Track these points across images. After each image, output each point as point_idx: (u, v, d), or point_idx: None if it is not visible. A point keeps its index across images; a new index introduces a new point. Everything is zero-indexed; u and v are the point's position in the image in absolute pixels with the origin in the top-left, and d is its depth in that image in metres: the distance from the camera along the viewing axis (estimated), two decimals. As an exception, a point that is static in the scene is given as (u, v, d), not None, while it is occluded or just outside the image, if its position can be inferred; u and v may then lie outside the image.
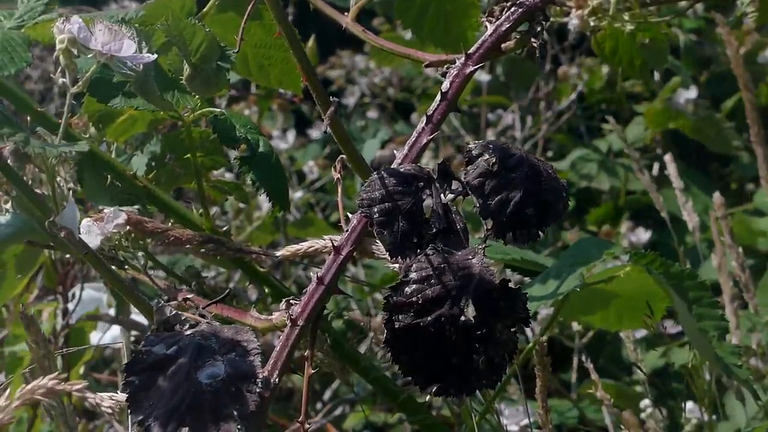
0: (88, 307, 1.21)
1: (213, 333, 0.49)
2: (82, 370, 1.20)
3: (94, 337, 1.23)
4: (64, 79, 0.53)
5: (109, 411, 0.56)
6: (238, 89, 1.56)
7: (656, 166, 2.02)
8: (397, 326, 0.49)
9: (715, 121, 1.85)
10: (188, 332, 0.49)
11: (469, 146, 0.52)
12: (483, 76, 2.01)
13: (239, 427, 0.45)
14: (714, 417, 1.23)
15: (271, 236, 1.63)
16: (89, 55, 0.53)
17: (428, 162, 1.67)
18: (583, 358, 1.39)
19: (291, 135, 1.77)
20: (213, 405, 0.46)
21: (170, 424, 0.45)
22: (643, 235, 1.75)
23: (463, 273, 0.49)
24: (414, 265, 0.49)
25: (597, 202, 1.96)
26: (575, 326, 1.54)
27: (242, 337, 0.49)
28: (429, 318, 0.49)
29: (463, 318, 0.49)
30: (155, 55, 0.57)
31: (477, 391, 0.50)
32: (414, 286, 0.49)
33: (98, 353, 1.27)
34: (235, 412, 0.46)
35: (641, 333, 1.55)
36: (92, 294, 1.22)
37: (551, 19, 0.90)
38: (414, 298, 0.49)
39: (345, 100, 2.12)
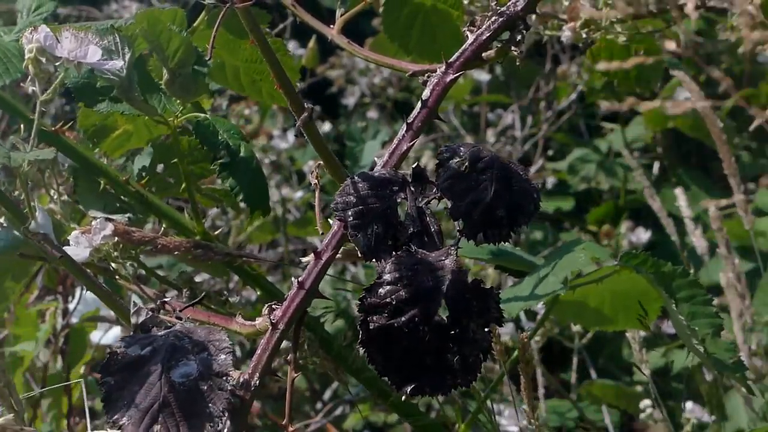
0: (90, 307, 1.22)
1: (186, 333, 0.50)
2: (82, 370, 1.22)
3: (95, 337, 1.25)
4: (34, 88, 0.54)
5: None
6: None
7: (656, 166, 2.03)
8: (371, 327, 0.50)
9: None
10: (162, 333, 0.50)
11: (440, 149, 0.53)
12: (483, 76, 2.02)
13: (211, 424, 0.47)
14: (714, 417, 1.23)
15: (270, 235, 1.64)
16: (57, 63, 0.54)
17: (428, 162, 1.67)
18: (586, 353, 1.39)
19: (291, 135, 1.78)
20: (186, 403, 0.47)
21: (144, 422, 0.47)
22: (643, 234, 1.76)
23: (436, 274, 0.50)
24: (388, 267, 0.50)
25: (597, 202, 1.96)
26: (575, 326, 1.55)
27: (215, 336, 0.50)
28: (403, 318, 0.50)
29: (436, 318, 0.50)
30: (124, 60, 0.58)
31: (452, 390, 0.51)
32: (388, 287, 0.50)
33: (99, 353, 1.29)
34: (207, 410, 0.47)
35: (641, 333, 1.55)
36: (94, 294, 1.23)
37: (546, 31, 0.91)
38: (388, 299, 0.50)
39: (345, 100, 2.13)
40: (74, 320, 1.19)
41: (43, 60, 0.53)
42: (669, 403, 1.55)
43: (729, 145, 1.86)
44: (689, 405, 1.34)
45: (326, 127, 1.93)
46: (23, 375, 1.16)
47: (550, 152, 2.09)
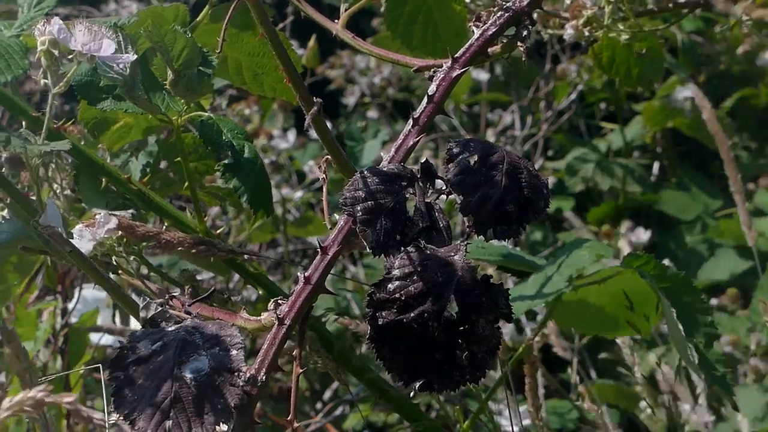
0: (90, 307, 1.22)
1: (197, 329, 0.50)
2: (82, 371, 1.21)
3: (95, 337, 1.24)
4: (46, 80, 0.53)
5: (101, 423, 0.57)
6: (238, 89, 1.57)
7: (656, 166, 2.03)
8: (380, 322, 0.50)
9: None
10: (172, 328, 0.50)
11: (450, 144, 0.53)
12: (482, 75, 2.02)
13: (222, 420, 0.46)
14: (713, 418, 1.23)
15: (270, 235, 1.63)
16: (70, 56, 0.54)
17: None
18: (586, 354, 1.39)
19: (291, 135, 1.77)
20: (197, 399, 0.47)
21: (155, 417, 0.46)
22: (643, 235, 1.76)
23: (445, 269, 0.50)
24: (397, 262, 0.50)
25: (597, 202, 1.96)
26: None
27: (226, 332, 0.49)
28: (412, 314, 0.49)
29: (445, 314, 0.49)
30: (135, 55, 0.57)
31: (460, 386, 0.51)
32: (397, 283, 0.50)
33: (99, 353, 1.28)
34: (219, 406, 0.47)
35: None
36: (94, 294, 1.23)
37: (549, 30, 0.91)
38: (397, 295, 0.50)
39: (345, 100, 2.13)
40: (74, 320, 1.19)
41: (56, 52, 0.52)
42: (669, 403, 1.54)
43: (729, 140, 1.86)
44: (689, 405, 1.34)
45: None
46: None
47: (550, 152, 2.09)
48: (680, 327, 0.69)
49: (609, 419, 1.50)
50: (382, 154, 0.57)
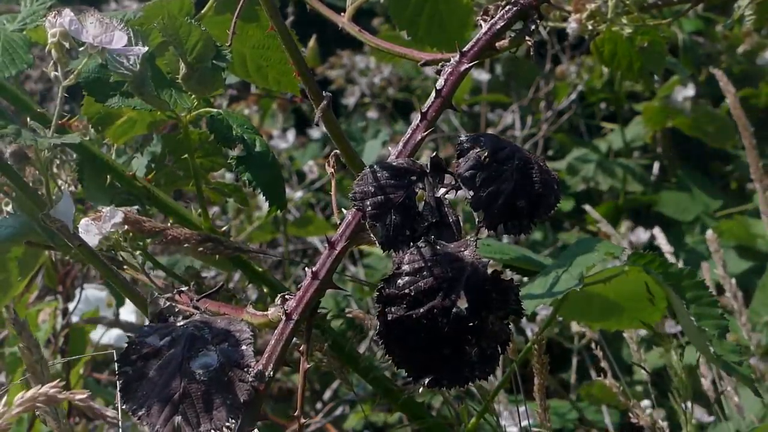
0: (90, 306, 1.22)
1: (206, 324, 0.49)
2: (82, 370, 1.20)
3: (95, 337, 1.24)
4: (56, 73, 0.53)
5: (114, 421, 0.56)
6: (238, 89, 1.56)
7: (656, 166, 2.03)
8: (389, 318, 0.49)
9: (712, 116, 1.85)
10: (181, 323, 0.49)
11: (461, 139, 0.52)
12: (483, 76, 2.01)
13: (232, 416, 0.46)
14: (713, 417, 1.23)
15: (271, 235, 1.63)
16: (80, 48, 0.53)
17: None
18: (586, 354, 1.39)
19: (291, 135, 1.77)
20: (206, 394, 0.47)
21: (164, 413, 0.46)
22: (643, 234, 1.75)
23: (455, 265, 0.49)
24: (406, 258, 0.50)
25: (597, 202, 1.96)
26: (574, 327, 1.54)
27: (235, 327, 0.49)
28: (421, 310, 0.49)
29: (455, 309, 0.49)
30: (146, 48, 0.57)
31: (470, 382, 0.50)
32: (406, 278, 0.49)
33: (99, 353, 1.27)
34: (228, 402, 0.46)
35: (642, 332, 1.55)
36: (95, 293, 1.23)
37: (550, 23, 0.91)
38: (406, 290, 0.49)
39: (345, 100, 2.13)
40: (75, 319, 1.18)
41: (67, 45, 0.52)
42: (669, 403, 1.54)
43: (729, 139, 1.86)
44: (689, 405, 1.33)
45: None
46: (23, 375, 1.14)
47: (550, 152, 2.09)
48: (693, 320, 0.69)
49: (609, 419, 1.50)
50: (390, 149, 0.56)
